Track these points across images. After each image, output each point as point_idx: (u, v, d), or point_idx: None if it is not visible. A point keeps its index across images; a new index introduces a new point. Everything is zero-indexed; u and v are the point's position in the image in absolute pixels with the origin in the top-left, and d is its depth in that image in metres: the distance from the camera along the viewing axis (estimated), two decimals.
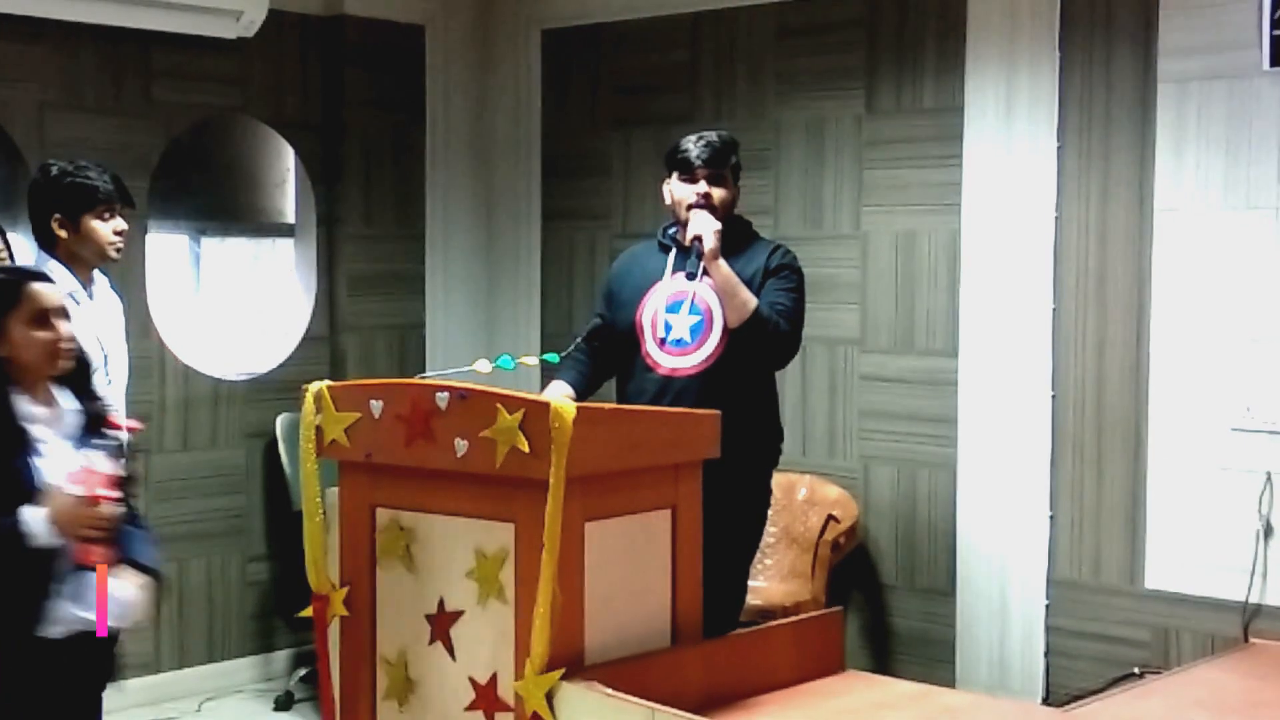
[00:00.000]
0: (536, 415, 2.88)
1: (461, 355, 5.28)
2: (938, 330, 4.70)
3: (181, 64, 5.04)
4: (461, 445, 2.98)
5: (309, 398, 3.21)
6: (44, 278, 3.02)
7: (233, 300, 5.60)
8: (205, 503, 5.13)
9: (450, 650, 3.08)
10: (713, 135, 3.76)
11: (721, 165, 3.72)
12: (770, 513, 4.66)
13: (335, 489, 3.25)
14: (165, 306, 5.16)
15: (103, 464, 2.82)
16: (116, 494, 2.83)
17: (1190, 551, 4.21)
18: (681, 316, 3.69)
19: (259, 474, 5.25)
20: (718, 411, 3.25)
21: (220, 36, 5.01)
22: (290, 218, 5.56)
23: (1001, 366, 4.53)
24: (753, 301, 3.61)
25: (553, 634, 2.87)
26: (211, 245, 5.54)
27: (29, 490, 2.78)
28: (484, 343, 5.65)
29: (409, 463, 3.09)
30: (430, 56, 5.62)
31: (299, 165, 5.44)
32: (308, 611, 3.27)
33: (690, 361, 3.68)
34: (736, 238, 3.75)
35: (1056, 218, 4.43)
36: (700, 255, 3.59)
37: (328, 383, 3.23)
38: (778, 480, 4.69)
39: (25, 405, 2.87)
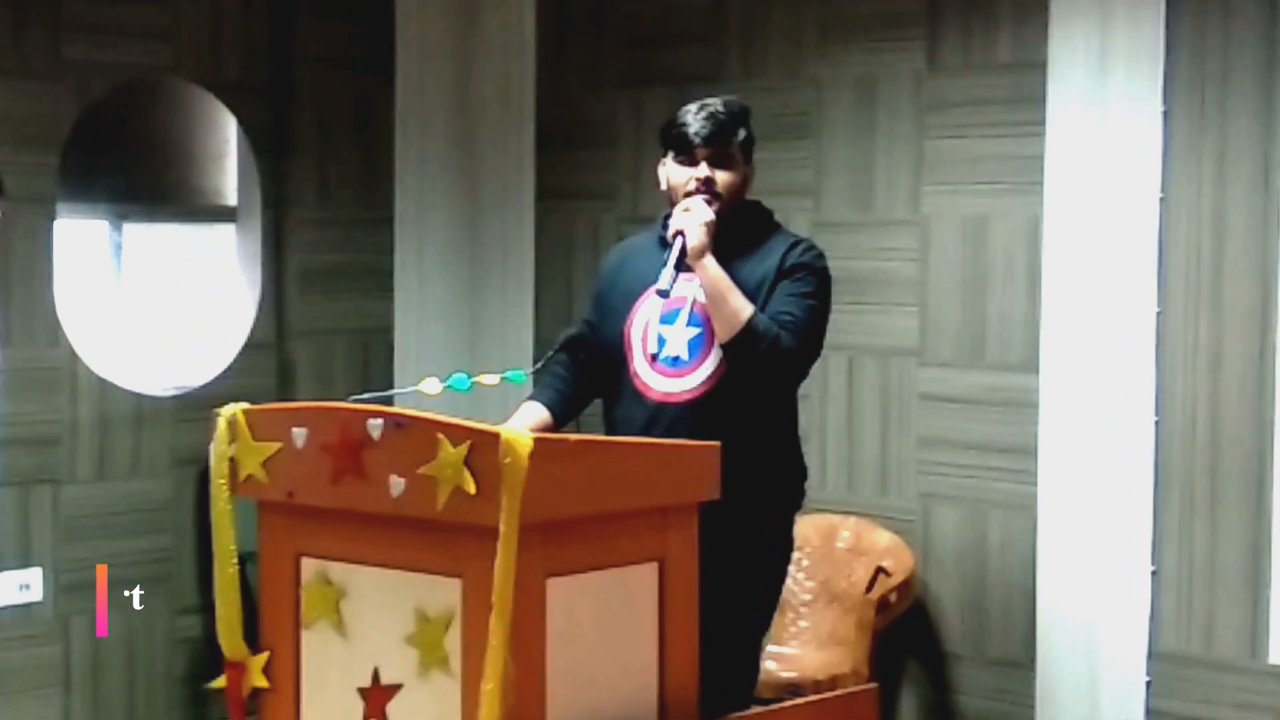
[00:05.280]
0: (485, 448, 2.91)
1: (438, 365, 5.30)
2: (1014, 339, 4.69)
3: (98, 15, 5.07)
4: (398, 484, 3.02)
5: (221, 424, 3.28)
6: None
7: (160, 299, 5.64)
8: (124, 543, 5.15)
9: None
10: (717, 104, 3.75)
11: (726, 142, 3.72)
12: (806, 563, 4.70)
13: None
14: (77, 308, 5.20)
15: None
16: None
17: None
18: (678, 328, 3.70)
19: (189, 509, 5.27)
20: (716, 443, 3.26)
21: None
22: (231, 199, 5.60)
23: (1093, 385, 4.51)
24: (746, 310, 3.60)
25: (505, 713, 2.88)
26: (135, 233, 5.58)
27: None
28: (466, 350, 5.67)
29: (337, 504, 3.13)
30: (401, 2, 5.64)
31: (241, 136, 5.47)
32: (220, 682, 3.32)
33: (686, 385, 3.69)
34: (750, 231, 3.74)
35: (1161, 200, 4.42)
36: (681, 256, 3.60)
37: (244, 406, 3.29)
38: (815, 524, 4.75)
39: None
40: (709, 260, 3.61)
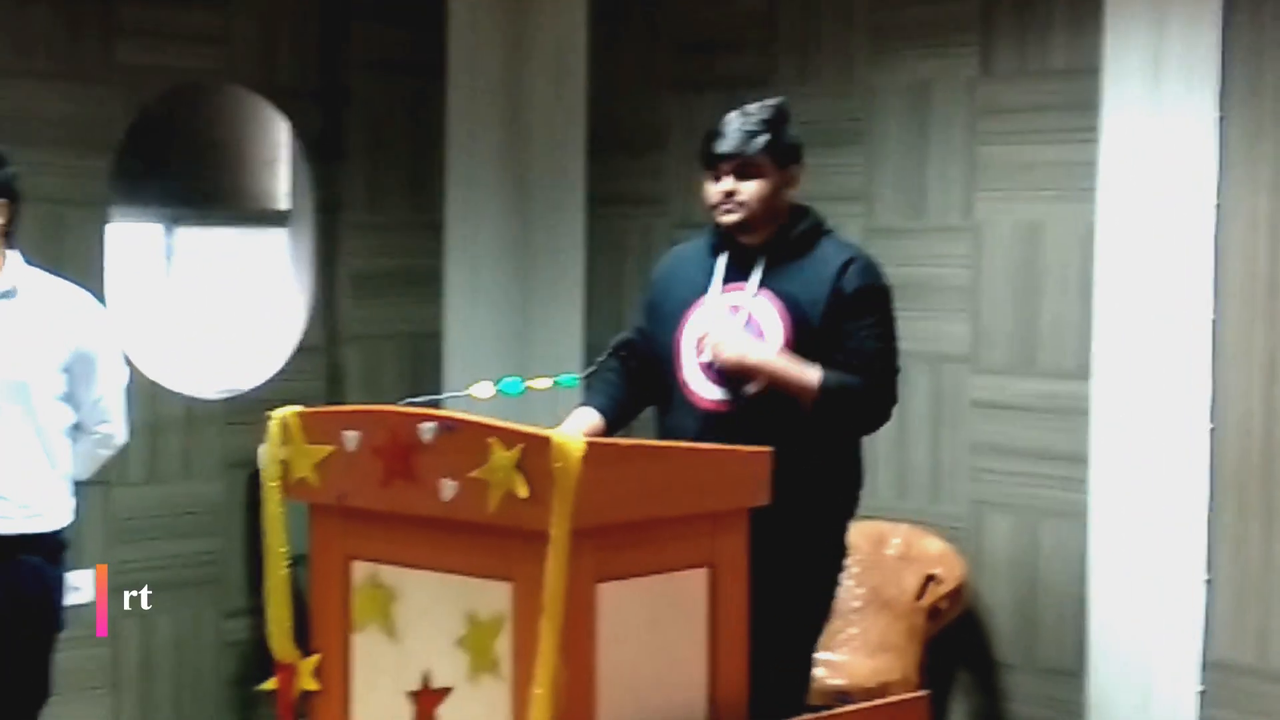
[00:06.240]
0: (536, 452, 2.91)
1: (488, 370, 5.24)
2: (1067, 346, 4.69)
3: (152, 19, 5.13)
4: (449, 487, 3.02)
5: (274, 427, 3.28)
6: None
7: (211, 303, 5.70)
8: (175, 545, 5.22)
9: None
10: (750, 110, 3.72)
11: (743, 152, 3.67)
12: (856, 570, 4.71)
13: None
14: (129, 310, 5.26)
15: None
16: None
17: None
18: None
19: (240, 512, 5.31)
20: (767, 448, 3.26)
21: None
22: (282, 203, 5.65)
23: (1146, 392, 4.51)
24: (813, 378, 3.60)
25: (555, 718, 2.89)
26: (187, 236, 5.64)
27: None
28: (515, 355, 5.69)
29: (388, 507, 3.14)
30: (453, 6, 5.67)
31: (293, 140, 5.52)
32: (270, 684, 3.34)
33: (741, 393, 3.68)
34: (796, 240, 3.73)
35: (1217, 206, 4.41)
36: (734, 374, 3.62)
37: (296, 409, 3.29)
38: (865, 530, 4.74)
39: None
40: (757, 361, 3.60)
